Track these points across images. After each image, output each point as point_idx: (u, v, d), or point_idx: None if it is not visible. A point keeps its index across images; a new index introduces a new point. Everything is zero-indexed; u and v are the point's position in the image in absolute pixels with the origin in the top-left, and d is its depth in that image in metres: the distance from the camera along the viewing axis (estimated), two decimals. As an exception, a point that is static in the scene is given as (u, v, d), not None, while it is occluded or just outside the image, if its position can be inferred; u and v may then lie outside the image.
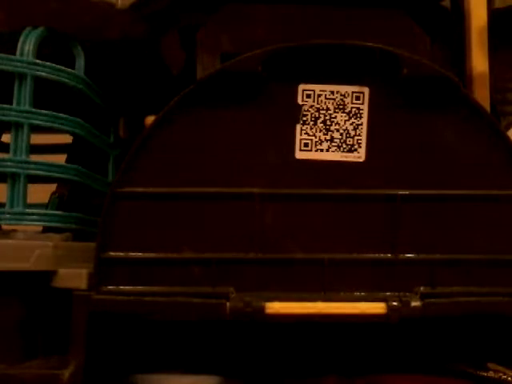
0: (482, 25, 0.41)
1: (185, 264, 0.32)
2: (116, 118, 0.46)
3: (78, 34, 0.39)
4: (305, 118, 0.33)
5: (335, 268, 0.33)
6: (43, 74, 0.36)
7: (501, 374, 0.37)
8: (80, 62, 0.39)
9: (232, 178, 0.33)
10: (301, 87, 0.32)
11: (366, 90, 0.33)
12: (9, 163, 0.35)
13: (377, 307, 0.31)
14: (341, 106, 0.33)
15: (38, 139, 0.40)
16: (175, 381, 0.36)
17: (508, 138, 0.33)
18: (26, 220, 0.35)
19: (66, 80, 0.37)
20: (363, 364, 0.38)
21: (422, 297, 0.32)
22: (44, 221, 0.36)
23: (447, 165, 0.33)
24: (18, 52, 0.36)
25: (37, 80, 0.36)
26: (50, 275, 0.33)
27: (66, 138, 0.46)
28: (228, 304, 0.31)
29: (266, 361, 0.39)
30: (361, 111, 0.33)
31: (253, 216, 0.32)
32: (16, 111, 0.35)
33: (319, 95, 0.33)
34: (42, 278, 0.33)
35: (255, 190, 0.32)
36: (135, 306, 0.32)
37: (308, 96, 0.33)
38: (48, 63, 0.36)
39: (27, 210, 0.35)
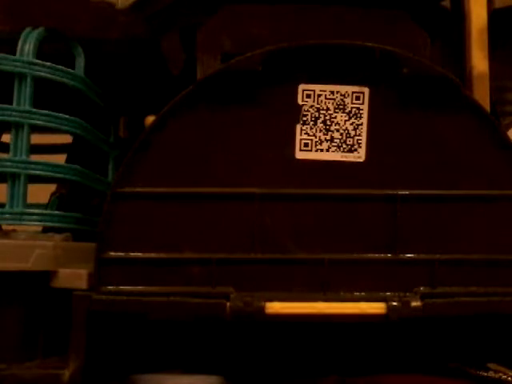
0: (482, 25, 0.41)
1: (185, 264, 0.32)
2: (116, 118, 0.46)
3: (78, 34, 0.39)
4: (305, 118, 0.33)
5: (335, 268, 0.33)
6: (43, 74, 0.36)
7: (501, 374, 0.37)
8: (80, 62, 0.39)
9: (232, 178, 0.33)
10: (301, 87, 0.32)
11: (366, 90, 0.33)
12: (9, 163, 0.35)
13: (377, 307, 0.31)
14: (341, 106, 0.33)
15: (38, 139, 0.40)
16: (175, 381, 0.36)
17: (508, 137, 0.33)
18: (26, 220, 0.35)
19: (66, 80, 0.37)
20: (363, 364, 0.38)
21: (422, 297, 0.32)
22: (44, 221, 0.36)
23: (447, 165, 0.33)
24: (17, 52, 0.36)
25: (37, 80, 0.36)
26: (49, 275, 0.33)
27: (66, 138, 0.46)
28: (228, 304, 0.31)
29: (266, 361, 0.38)
30: (361, 111, 0.33)
31: (253, 216, 0.32)
32: (16, 111, 0.35)
33: (319, 95, 0.33)
34: (41, 278, 0.33)
35: (255, 190, 0.32)
36: (135, 306, 0.32)
37: (308, 96, 0.33)
38: (48, 63, 0.36)
39: (27, 210, 0.35)
